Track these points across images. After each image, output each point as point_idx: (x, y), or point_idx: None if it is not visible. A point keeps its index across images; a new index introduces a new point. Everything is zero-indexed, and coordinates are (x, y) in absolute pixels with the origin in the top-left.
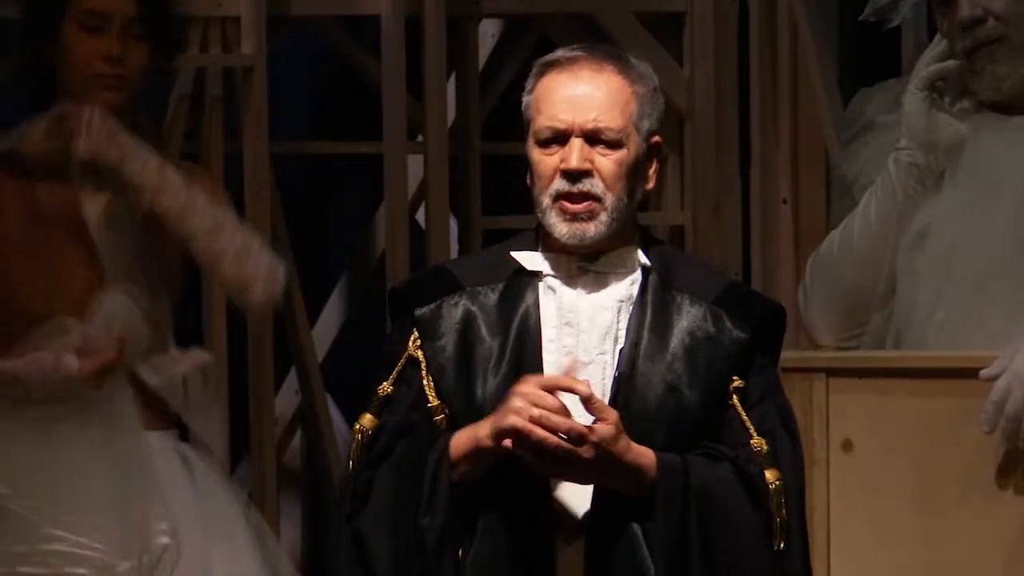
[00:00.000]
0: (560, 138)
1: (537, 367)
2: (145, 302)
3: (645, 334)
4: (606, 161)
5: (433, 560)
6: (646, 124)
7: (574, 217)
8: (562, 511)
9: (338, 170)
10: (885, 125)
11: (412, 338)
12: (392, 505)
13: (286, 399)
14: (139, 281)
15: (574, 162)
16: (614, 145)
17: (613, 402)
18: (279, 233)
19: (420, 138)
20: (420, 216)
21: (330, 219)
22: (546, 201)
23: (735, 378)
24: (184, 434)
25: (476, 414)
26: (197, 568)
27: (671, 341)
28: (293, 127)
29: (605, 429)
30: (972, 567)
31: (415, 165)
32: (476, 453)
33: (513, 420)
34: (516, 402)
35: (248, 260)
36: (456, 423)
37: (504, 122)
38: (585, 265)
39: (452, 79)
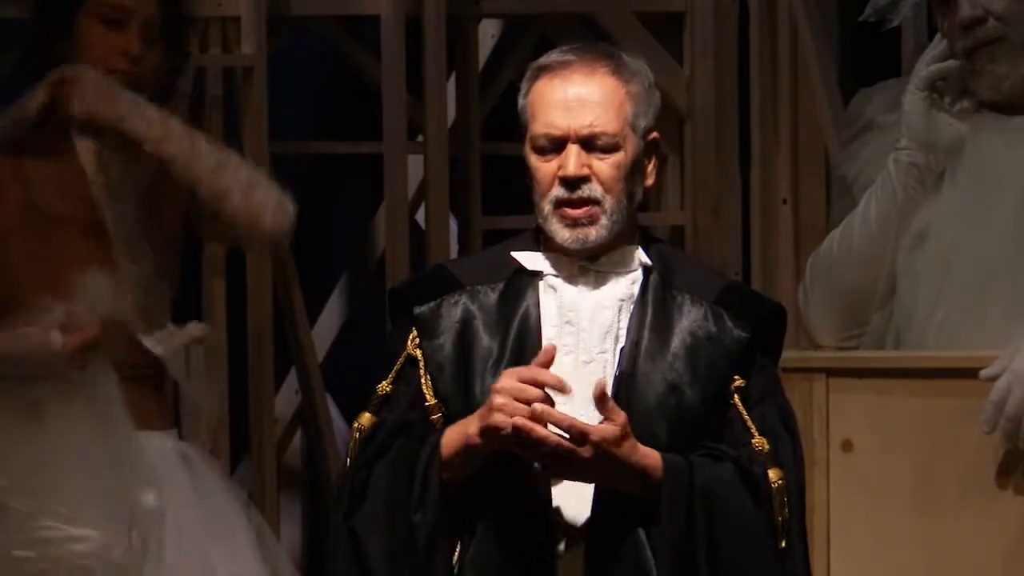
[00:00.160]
0: (556, 145)
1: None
2: (147, 273)
3: (646, 333)
4: (604, 165)
5: (424, 557)
6: (642, 123)
7: (575, 223)
8: (563, 512)
9: (338, 170)
10: (885, 125)
11: (411, 337)
12: (388, 503)
13: (286, 399)
14: (141, 252)
15: (571, 169)
16: (611, 149)
17: (614, 401)
18: None
19: (420, 138)
20: (420, 216)
21: (330, 219)
22: (547, 207)
23: (736, 377)
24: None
25: (474, 412)
26: (199, 568)
27: (672, 340)
28: (293, 127)
29: (609, 430)
30: (972, 567)
31: (415, 165)
32: (466, 451)
33: (497, 418)
34: (497, 399)
35: (256, 193)
36: (454, 422)
37: (504, 122)
38: (586, 264)
39: (452, 79)
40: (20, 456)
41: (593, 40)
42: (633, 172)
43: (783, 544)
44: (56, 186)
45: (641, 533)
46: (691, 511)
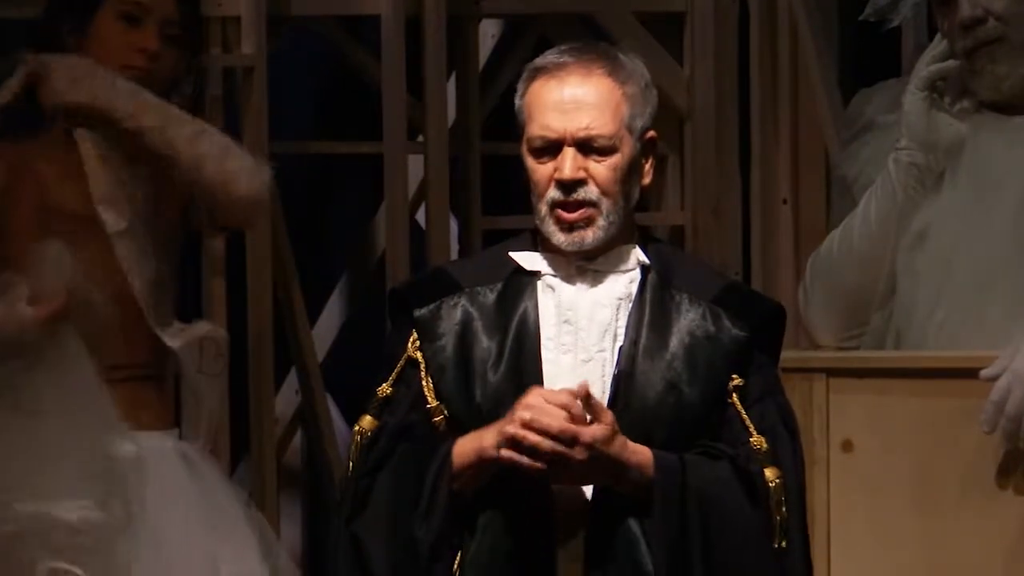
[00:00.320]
0: (552, 147)
1: (536, 365)
2: (152, 270)
3: (644, 332)
4: (600, 167)
5: (427, 568)
6: (639, 123)
7: (572, 226)
8: (561, 511)
9: (338, 170)
10: (885, 125)
11: (411, 339)
12: (391, 511)
13: (286, 399)
14: (145, 249)
15: (567, 172)
16: (607, 151)
17: (613, 400)
18: (279, 233)
19: (420, 138)
20: (420, 216)
21: (330, 219)
22: (543, 209)
23: (735, 376)
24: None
25: (475, 414)
26: (203, 567)
27: (670, 340)
28: (293, 127)
29: (598, 430)
30: (972, 567)
31: (415, 165)
32: (481, 463)
33: (514, 430)
34: (524, 414)
35: (230, 158)
36: (455, 424)
37: (504, 122)
38: (583, 264)
39: (452, 79)
40: None
41: (592, 40)
42: (630, 173)
43: (782, 543)
44: (61, 182)
45: (639, 532)
46: (685, 509)
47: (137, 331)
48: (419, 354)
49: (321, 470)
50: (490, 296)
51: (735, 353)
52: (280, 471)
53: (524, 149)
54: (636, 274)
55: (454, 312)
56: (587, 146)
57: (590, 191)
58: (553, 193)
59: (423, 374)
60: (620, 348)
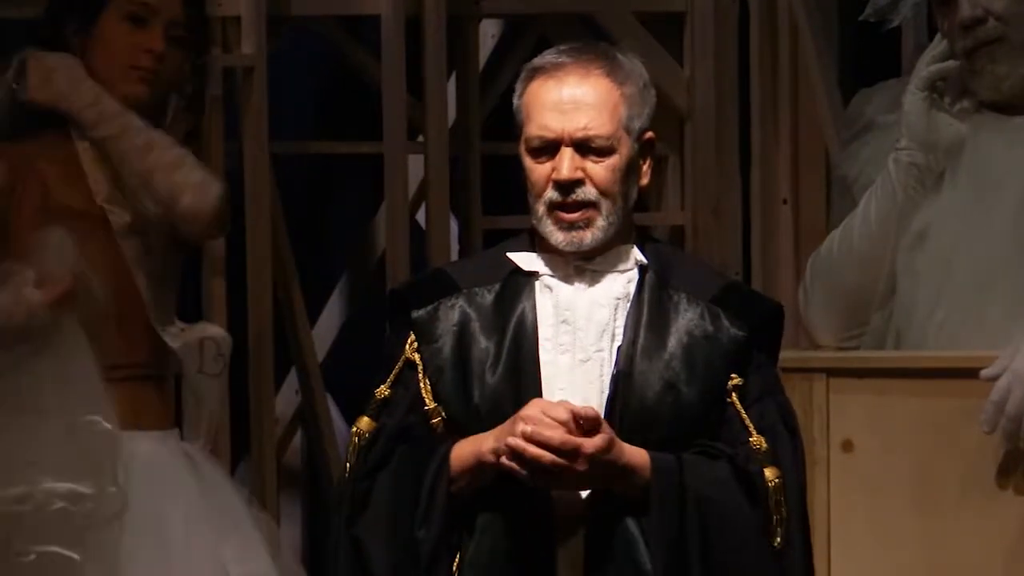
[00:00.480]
0: (550, 147)
1: (534, 366)
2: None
3: (642, 332)
4: (598, 168)
5: (427, 569)
6: (637, 124)
7: (570, 226)
8: (561, 512)
9: (338, 170)
10: (885, 125)
11: (409, 341)
12: (391, 514)
13: (286, 399)
14: (146, 247)
15: (564, 173)
16: (605, 152)
17: (612, 400)
18: (279, 233)
19: (420, 138)
20: (420, 216)
21: (330, 219)
22: (541, 209)
23: (734, 376)
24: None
25: (474, 415)
26: (211, 567)
27: (669, 340)
28: (293, 127)
29: (599, 440)
30: (972, 567)
31: (415, 165)
32: (478, 467)
33: (515, 442)
34: (526, 428)
35: (178, 171)
36: (453, 425)
37: (504, 122)
38: (581, 264)
39: (452, 79)
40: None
41: (592, 40)
42: (628, 174)
43: (780, 543)
44: (63, 180)
45: (637, 532)
46: (683, 510)
47: (138, 330)
48: (417, 355)
49: (321, 470)
50: (488, 297)
51: (734, 353)
52: (280, 471)
53: (522, 149)
54: (634, 274)
55: (452, 313)
56: (585, 146)
57: (588, 191)
58: (551, 194)
59: (421, 375)
60: (618, 348)
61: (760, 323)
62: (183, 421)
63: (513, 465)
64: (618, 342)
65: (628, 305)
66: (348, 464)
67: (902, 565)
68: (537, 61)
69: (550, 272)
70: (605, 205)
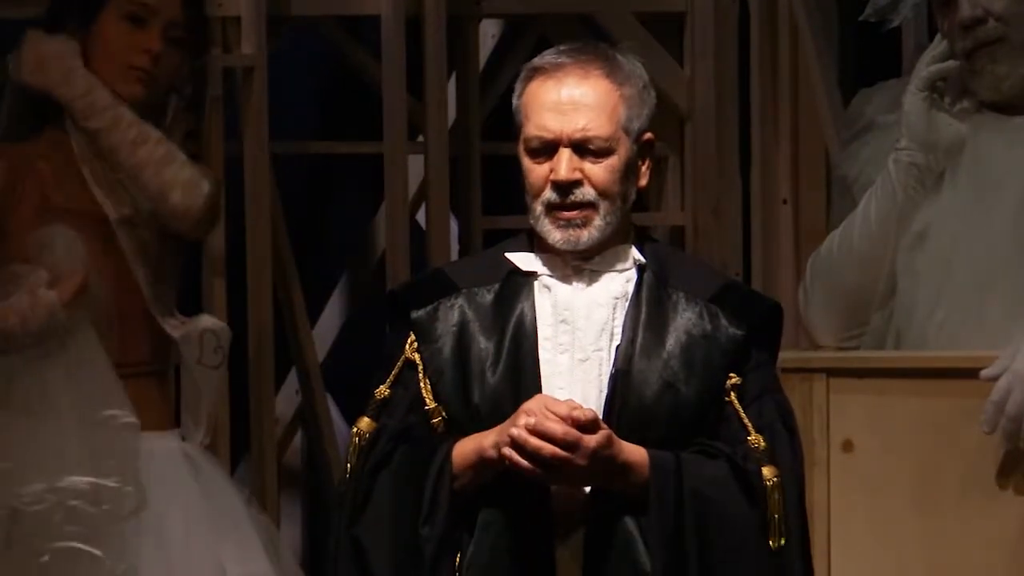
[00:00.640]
0: (548, 148)
1: (534, 366)
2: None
3: (641, 331)
4: (597, 169)
5: (430, 568)
6: (636, 125)
7: (567, 223)
8: (560, 510)
9: (338, 170)
10: (885, 125)
11: (409, 341)
12: (392, 514)
13: (286, 399)
14: (146, 244)
15: (563, 174)
16: (604, 153)
17: (610, 399)
18: (279, 233)
19: (420, 138)
20: (420, 216)
21: (330, 219)
22: (539, 209)
23: (732, 375)
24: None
25: (474, 415)
26: (209, 568)
27: (667, 339)
28: (293, 127)
29: (600, 436)
30: (972, 567)
31: (415, 165)
32: (480, 464)
33: (517, 433)
34: (528, 419)
35: (168, 168)
36: (454, 425)
37: (504, 122)
38: (579, 264)
39: (452, 79)
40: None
41: (592, 40)
42: (626, 175)
43: (781, 541)
44: (62, 180)
45: (636, 531)
46: (680, 508)
47: (138, 328)
48: (417, 356)
49: (321, 470)
50: (487, 297)
51: (732, 352)
52: (280, 471)
53: (520, 149)
54: (632, 273)
55: (451, 313)
56: (583, 147)
57: (586, 192)
58: (549, 194)
59: (421, 376)
60: (617, 347)
61: (759, 322)
62: (182, 413)
63: (514, 455)
64: (617, 341)
65: (627, 304)
66: (348, 465)
67: (902, 565)
68: (536, 61)
69: (549, 272)
70: (603, 206)
